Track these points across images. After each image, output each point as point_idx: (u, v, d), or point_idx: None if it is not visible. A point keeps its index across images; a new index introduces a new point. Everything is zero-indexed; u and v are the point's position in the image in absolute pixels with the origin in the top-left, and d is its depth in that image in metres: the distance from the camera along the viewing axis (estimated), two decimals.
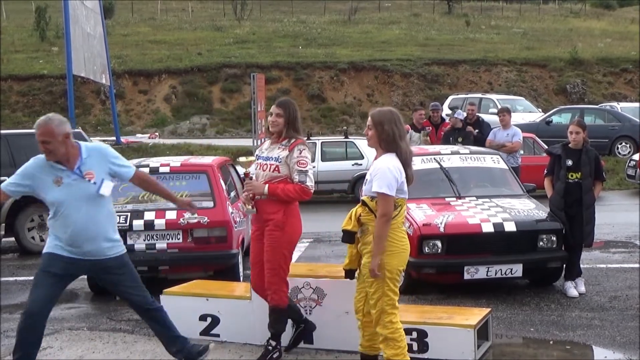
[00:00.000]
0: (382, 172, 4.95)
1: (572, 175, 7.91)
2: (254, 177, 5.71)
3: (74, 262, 5.27)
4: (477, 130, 12.58)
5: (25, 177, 5.32)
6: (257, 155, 5.85)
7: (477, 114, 13.42)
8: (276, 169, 5.65)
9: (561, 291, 8.11)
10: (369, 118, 5.15)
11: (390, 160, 5.02)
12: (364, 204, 5.07)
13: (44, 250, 5.35)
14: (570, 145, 8.00)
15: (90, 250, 5.24)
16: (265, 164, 5.69)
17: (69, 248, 5.25)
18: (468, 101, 24.01)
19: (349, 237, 5.15)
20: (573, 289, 7.97)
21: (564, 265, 8.14)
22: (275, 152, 5.69)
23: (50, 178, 5.21)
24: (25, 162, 12.39)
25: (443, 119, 13.67)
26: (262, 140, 6.04)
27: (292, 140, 5.68)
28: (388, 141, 5.05)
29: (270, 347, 5.81)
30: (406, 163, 5.07)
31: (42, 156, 5.24)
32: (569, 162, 7.89)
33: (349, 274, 5.35)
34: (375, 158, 5.19)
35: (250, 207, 5.69)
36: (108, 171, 5.32)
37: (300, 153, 5.63)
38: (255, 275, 5.88)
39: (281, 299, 5.75)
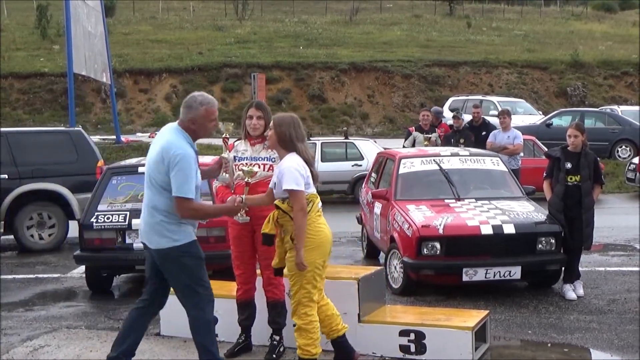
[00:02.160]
0: (287, 171, 5.21)
1: (571, 178, 7.92)
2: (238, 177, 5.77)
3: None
4: (484, 133, 12.55)
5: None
6: (235, 157, 5.90)
7: (482, 116, 13.42)
8: (270, 168, 5.81)
9: (560, 294, 8.11)
10: (271, 121, 5.47)
11: (292, 159, 5.29)
12: (277, 207, 5.31)
13: (192, 239, 5.09)
14: (569, 148, 8.01)
15: None
16: (257, 164, 5.80)
17: (194, 227, 5.19)
18: (472, 104, 24.04)
19: (267, 239, 5.39)
20: (571, 291, 7.98)
21: (563, 268, 8.14)
22: (264, 153, 5.85)
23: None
24: (25, 160, 12.40)
25: (441, 121, 13.68)
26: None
27: None
28: (285, 141, 5.33)
29: (275, 342, 5.95)
30: (308, 162, 5.36)
31: (190, 147, 5.00)
32: (568, 165, 7.90)
33: (278, 271, 5.53)
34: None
35: (244, 215, 5.67)
36: None
37: None
38: (244, 272, 5.96)
39: (282, 293, 5.91)
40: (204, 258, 5.17)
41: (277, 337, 5.96)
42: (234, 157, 5.91)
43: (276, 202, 5.33)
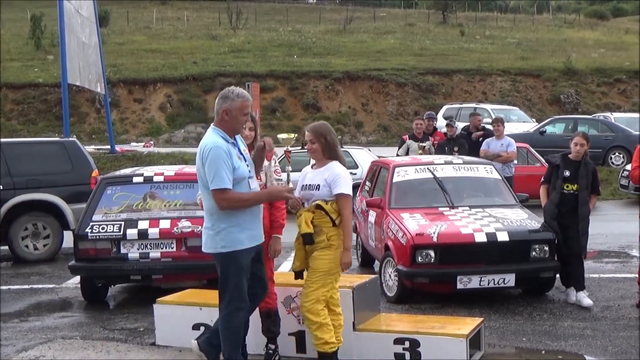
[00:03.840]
0: (344, 177, 5.52)
1: (568, 187, 7.93)
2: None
3: (252, 251, 5.29)
4: (482, 140, 12.58)
5: (231, 161, 5.11)
6: None
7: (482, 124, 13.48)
8: (258, 178, 5.80)
9: (553, 301, 8.15)
10: (309, 133, 5.60)
11: (343, 167, 5.61)
12: (320, 207, 5.46)
13: (237, 248, 5.14)
14: (570, 156, 8.01)
15: (261, 233, 5.36)
16: None
17: (251, 233, 5.23)
18: (466, 112, 24.07)
19: (309, 239, 5.50)
20: (586, 298, 7.98)
21: (558, 275, 8.17)
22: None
23: (234, 152, 5.19)
24: (19, 170, 12.36)
25: (435, 129, 13.68)
26: None
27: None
28: (331, 150, 5.60)
29: (270, 351, 5.97)
30: None
31: (223, 140, 5.12)
32: (567, 173, 7.92)
33: (299, 275, 5.63)
34: (315, 167, 5.66)
35: None
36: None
37: (275, 162, 5.97)
38: None
39: (274, 302, 5.93)
40: (245, 268, 5.24)
41: (272, 346, 5.98)
42: None
43: (319, 202, 5.46)
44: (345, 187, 5.46)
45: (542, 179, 8.27)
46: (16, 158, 11.60)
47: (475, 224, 8.09)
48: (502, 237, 7.88)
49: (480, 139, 12.58)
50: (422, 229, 7.99)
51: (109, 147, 23.78)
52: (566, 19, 60.67)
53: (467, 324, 6.15)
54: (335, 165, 5.56)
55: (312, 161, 5.76)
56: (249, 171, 5.31)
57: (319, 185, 5.51)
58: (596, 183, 8.12)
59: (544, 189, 8.20)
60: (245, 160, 5.28)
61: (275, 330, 5.96)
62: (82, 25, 20.85)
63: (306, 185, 5.60)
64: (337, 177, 5.47)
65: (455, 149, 12.32)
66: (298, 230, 5.55)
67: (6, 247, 11.64)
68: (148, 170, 9.02)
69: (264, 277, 5.53)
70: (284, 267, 9.93)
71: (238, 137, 5.38)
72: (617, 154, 21.28)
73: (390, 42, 45.16)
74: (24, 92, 33.51)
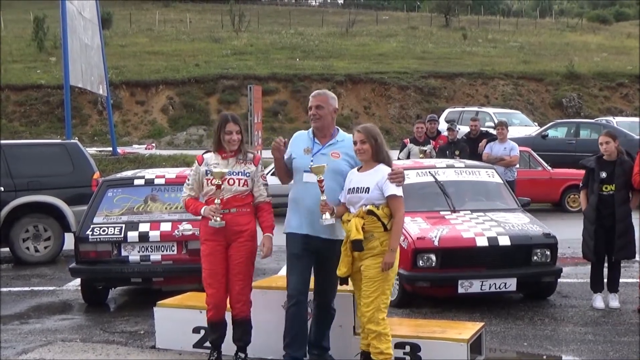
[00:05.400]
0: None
1: (606, 188, 7.82)
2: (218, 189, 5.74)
3: (309, 240, 5.57)
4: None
5: (289, 151, 5.74)
6: (207, 170, 5.82)
7: (480, 128, 13.48)
8: (245, 183, 5.80)
9: (555, 305, 8.13)
10: (360, 133, 5.51)
11: (389, 170, 5.49)
12: (372, 212, 5.37)
13: (286, 231, 5.67)
14: (604, 157, 7.90)
15: (322, 227, 5.50)
16: (232, 178, 5.76)
17: (292, 221, 5.62)
18: (468, 115, 24.09)
19: (359, 245, 5.42)
20: (615, 300, 8.02)
21: (589, 279, 8.14)
22: (239, 167, 5.82)
23: (302, 146, 5.67)
24: (21, 172, 12.38)
25: (439, 132, 13.65)
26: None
27: (250, 155, 5.94)
28: (379, 152, 5.51)
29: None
30: None
31: (303, 133, 5.80)
32: (603, 175, 7.82)
33: (344, 280, 5.62)
34: (362, 170, 5.55)
35: (219, 219, 5.69)
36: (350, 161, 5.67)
37: (262, 168, 6.00)
38: (217, 291, 5.85)
39: (249, 310, 5.89)
40: (292, 253, 5.61)
41: (243, 355, 5.90)
42: (205, 171, 5.82)
43: (370, 207, 5.38)
44: (397, 188, 5.39)
45: (581, 183, 8.20)
46: (17, 160, 11.60)
47: (477, 228, 8.07)
48: (504, 241, 7.86)
49: (487, 143, 12.56)
50: (424, 233, 7.97)
51: (110, 149, 23.81)
52: (569, 23, 60.72)
53: (468, 329, 6.13)
54: (385, 168, 5.47)
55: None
56: (310, 167, 5.52)
57: (368, 188, 5.39)
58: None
59: (583, 193, 8.11)
60: (312, 157, 5.56)
61: (246, 339, 5.89)
62: (85, 27, 20.88)
63: (353, 188, 5.48)
64: (388, 180, 5.41)
65: (457, 152, 12.30)
66: (346, 235, 5.44)
67: (7, 249, 11.64)
68: (149, 173, 9.02)
69: (320, 288, 5.72)
70: (284, 271, 9.91)
71: (338, 139, 5.71)
72: None
73: (393, 45, 45.20)
74: (26, 93, 33.55)
